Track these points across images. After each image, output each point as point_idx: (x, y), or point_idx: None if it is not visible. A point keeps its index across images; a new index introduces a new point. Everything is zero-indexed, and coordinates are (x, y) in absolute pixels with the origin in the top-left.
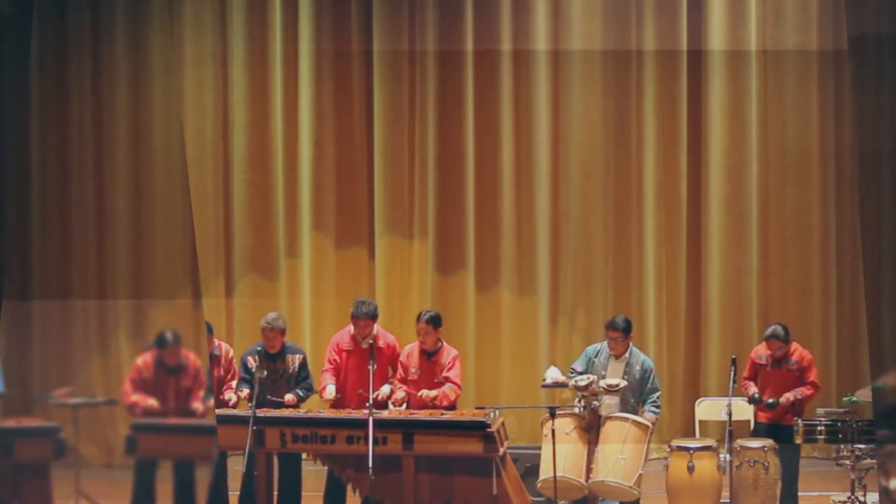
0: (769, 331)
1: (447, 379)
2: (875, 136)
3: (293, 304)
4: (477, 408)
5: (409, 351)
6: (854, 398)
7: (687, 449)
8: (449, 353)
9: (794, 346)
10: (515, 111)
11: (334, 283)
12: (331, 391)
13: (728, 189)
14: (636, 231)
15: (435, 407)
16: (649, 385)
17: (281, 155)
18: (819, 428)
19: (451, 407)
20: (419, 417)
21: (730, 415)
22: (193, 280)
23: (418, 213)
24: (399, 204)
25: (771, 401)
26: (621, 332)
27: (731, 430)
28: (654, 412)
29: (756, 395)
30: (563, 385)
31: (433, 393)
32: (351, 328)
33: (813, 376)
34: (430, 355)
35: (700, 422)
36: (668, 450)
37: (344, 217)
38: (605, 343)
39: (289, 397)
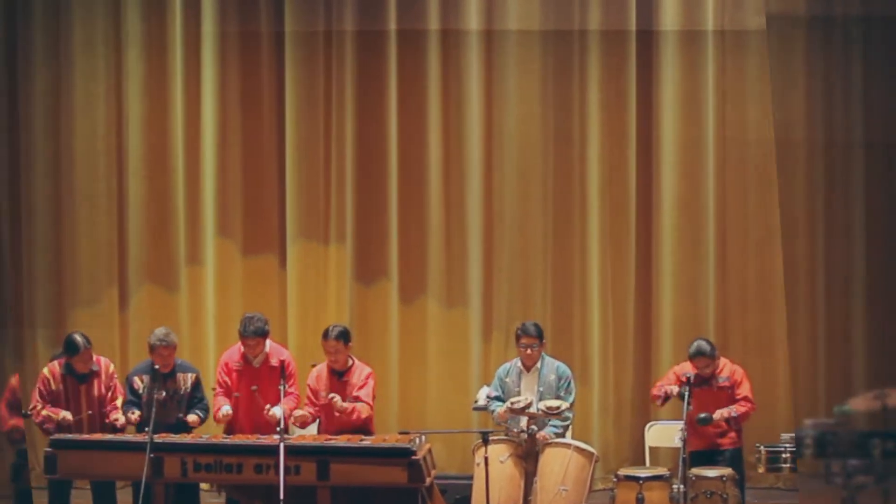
0: (693, 348)
1: (357, 399)
2: (791, 121)
3: (195, 316)
4: (400, 433)
5: (318, 373)
6: (846, 408)
7: (636, 479)
8: (361, 371)
9: (723, 361)
10: (444, 101)
11: (241, 294)
12: (227, 410)
13: (682, 188)
14: (579, 235)
15: (348, 425)
16: (562, 392)
17: (181, 151)
18: (784, 455)
19: (366, 430)
20: (336, 444)
21: (684, 441)
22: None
23: (335, 216)
24: (313, 205)
25: (703, 416)
26: (537, 338)
27: (685, 458)
28: (556, 427)
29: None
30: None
31: (346, 404)
32: (241, 346)
33: (746, 392)
34: (340, 375)
35: (650, 448)
36: (615, 479)
37: (252, 220)
38: (514, 360)
39: (192, 417)
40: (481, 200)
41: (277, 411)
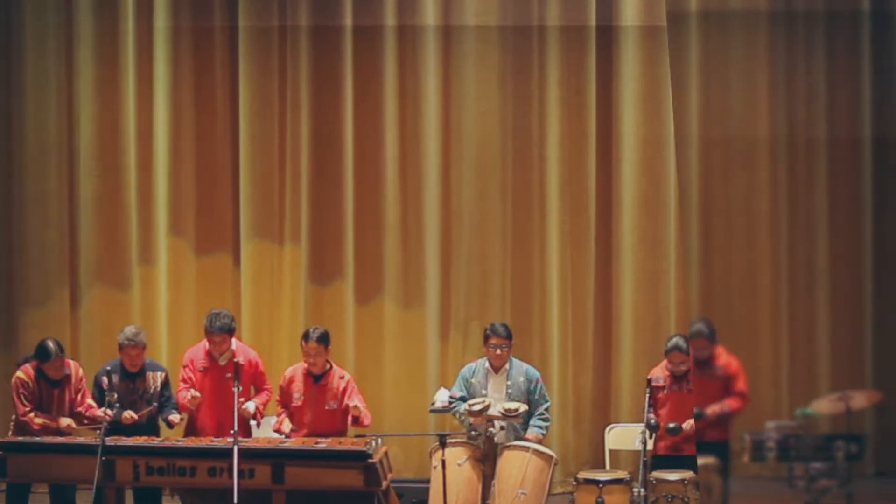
0: (693, 328)
1: (356, 408)
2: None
3: (148, 316)
4: (356, 436)
5: (293, 374)
6: (808, 410)
7: (596, 482)
8: (341, 377)
9: (720, 349)
10: (401, 98)
11: (195, 294)
12: (195, 392)
13: (643, 185)
14: (538, 233)
15: (331, 434)
16: (537, 396)
17: (133, 149)
18: (769, 444)
19: (345, 434)
20: (290, 447)
21: (644, 443)
22: None
23: (290, 215)
24: (268, 204)
25: (672, 426)
26: (506, 338)
27: (646, 461)
28: (540, 428)
29: (653, 421)
30: (454, 410)
31: (366, 412)
32: (206, 344)
33: (741, 385)
34: (317, 378)
35: (611, 451)
36: (575, 483)
37: (205, 219)
38: (480, 360)
39: (173, 417)
40: (439, 199)
41: (250, 406)
